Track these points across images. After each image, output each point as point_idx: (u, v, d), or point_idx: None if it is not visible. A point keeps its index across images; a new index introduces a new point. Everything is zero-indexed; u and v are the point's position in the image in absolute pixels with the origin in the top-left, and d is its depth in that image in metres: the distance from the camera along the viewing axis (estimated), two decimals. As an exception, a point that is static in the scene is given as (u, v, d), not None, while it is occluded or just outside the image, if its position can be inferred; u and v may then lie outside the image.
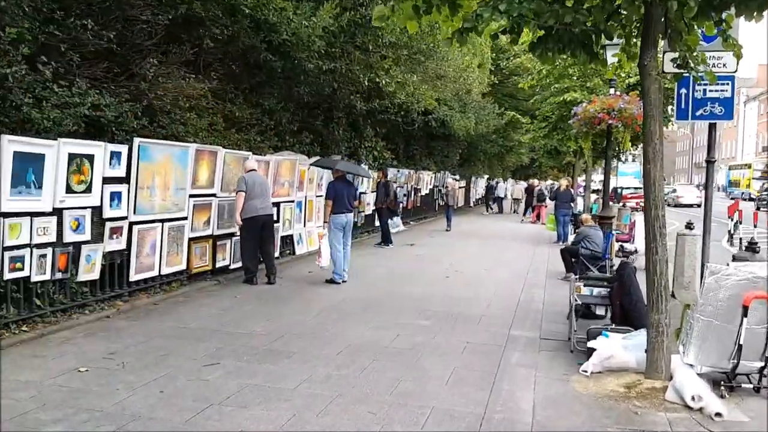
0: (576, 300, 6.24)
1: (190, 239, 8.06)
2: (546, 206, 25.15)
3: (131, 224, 6.94)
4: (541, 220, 23.68)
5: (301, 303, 7.57)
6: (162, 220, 7.46)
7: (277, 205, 10.48)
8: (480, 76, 19.08)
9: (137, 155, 6.87)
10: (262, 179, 8.63)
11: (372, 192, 15.11)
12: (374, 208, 14.37)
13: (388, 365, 5.24)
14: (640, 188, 35.36)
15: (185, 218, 7.91)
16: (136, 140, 6.86)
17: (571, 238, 15.76)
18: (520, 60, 25.61)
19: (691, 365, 4.96)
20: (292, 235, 11.23)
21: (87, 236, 6.33)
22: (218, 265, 8.74)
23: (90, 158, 6.30)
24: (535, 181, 26.90)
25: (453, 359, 5.48)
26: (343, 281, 9.09)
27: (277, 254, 10.42)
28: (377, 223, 14.42)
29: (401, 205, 19.18)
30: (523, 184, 33.09)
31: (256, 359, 5.27)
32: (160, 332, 5.99)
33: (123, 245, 6.84)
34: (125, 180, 6.82)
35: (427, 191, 22.62)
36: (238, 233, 8.77)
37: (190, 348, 5.50)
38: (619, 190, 28.90)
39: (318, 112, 12.57)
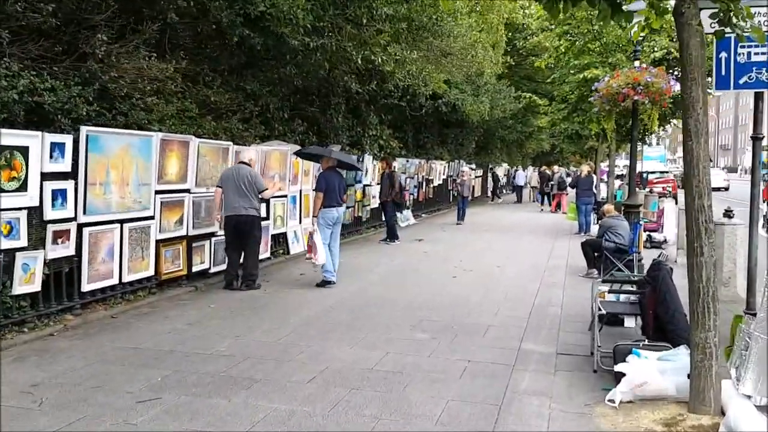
0: (599, 309, 5.18)
1: (159, 241, 7.14)
2: (566, 194, 23.92)
3: (81, 226, 6.03)
4: (561, 209, 22.49)
5: (281, 313, 6.62)
6: (121, 221, 6.55)
7: (267, 201, 9.55)
8: (494, 56, 17.88)
9: (85, 146, 5.95)
10: (239, 173, 7.67)
11: (377, 184, 14.11)
12: (380, 201, 13.37)
13: (368, 397, 4.25)
14: (666, 172, 33.93)
15: (151, 217, 6.99)
16: (83, 129, 5.93)
17: (594, 228, 14.61)
18: (537, 39, 24.26)
19: (748, 396, 3.90)
20: (285, 234, 10.28)
21: (23, 242, 5.44)
22: (195, 269, 7.82)
23: (23, 151, 5.39)
24: (555, 167, 25.58)
25: (448, 387, 4.47)
26: (333, 282, 8.14)
27: (267, 255, 9.52)
28: (384, 218, 13.42)
29: (411, 197, 18.16)
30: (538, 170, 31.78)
31: (207, 391, 4.32)
32: (103, 355, 5.07)
33: (71, 251, 5.93)
34: (71, 175, 5.91)
35: (440, 182, 21.55)
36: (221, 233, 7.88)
37: (132, 376, 4.57)
38: (645, 175, 27.44)
39: (313, 98, 11.57)
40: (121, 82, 6.49)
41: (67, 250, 5.88)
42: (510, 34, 25.07)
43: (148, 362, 4.90)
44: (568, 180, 23.54)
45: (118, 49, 6.53)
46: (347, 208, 13.04)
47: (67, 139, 5.80)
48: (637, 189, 15.70)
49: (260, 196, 7.61)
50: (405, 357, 5.16)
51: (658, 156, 38.63)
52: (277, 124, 10.02)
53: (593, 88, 10.55)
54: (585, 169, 15.40)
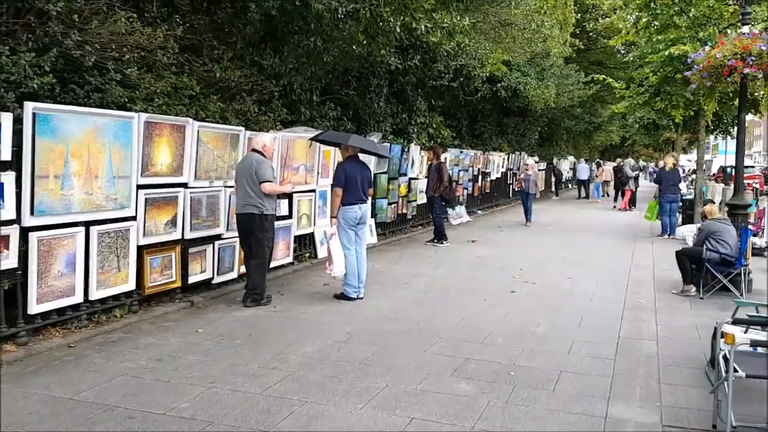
0: (736, 369, 3.39)
1: (143, 247, 5.80)
2: (633, 190, 21.51)
3: (25, 231, 4.72)
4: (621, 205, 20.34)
5: (282, 344, 5.12)
6: (87, 223, 5.22)
7: (288, 196, 8.11)
8: (561, 35, 15.91)
9: (32, 129, 4.63)
10: (244, 163, 6.27)
11: (424, 177, 12.47)
12: (426, 197, 11.73)
13: None
14: (752, 167, 30.65)
15: (132, 218, 5.64)
16: (28, 106, 4.60)
17: (682, 231, 12.51)
18: (609, 20, 21.94)
19: None
20: (312, 235, 8.82)
21: (-63, 252, 4.16)
22: (193, 279, 6.44)
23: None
24: (620, 160, 23.11)
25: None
26: (358, 297, 6.61)
27: (289, 259, 8.10)
28: (431, 216, 11.78)
29: (465, 192, 16.42)
30: (611, 165, 29.17)
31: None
32: (20, 410, 3.71)
33: (12, 262, 4.63)
34: (11, 166, 4.60)
35: (499, 175, 19.67)
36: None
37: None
38: (728, 170, 24.61)
39: (349, 79, 10.05)
40: (87, 48, 5.14)
41: (6, 261, 4.57)
42: (579, 15, 22.87)
43: (74, 426, 3.50)
44: (634, 174, 21.21)
45: (85, 5, 5.17)
46: (389, 204, 11.54)
47: (5, 119, 4.48)
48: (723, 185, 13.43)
49: (262, 190, 6.13)
50: (439, 427, 3.56)
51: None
52: (304, 108, 8.56)
53: (689, 59, 8.56)
54: (670, 161, 13.24)
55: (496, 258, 9.95)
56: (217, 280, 6.82)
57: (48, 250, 4.86)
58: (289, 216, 8.14)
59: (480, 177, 17.76)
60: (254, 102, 7.49)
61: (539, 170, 26.38)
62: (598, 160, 29.84)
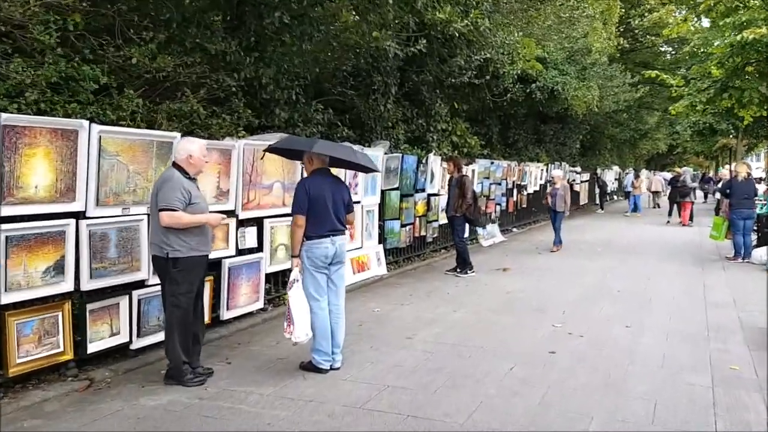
0: None
1: (4, 308, 4.02)
2: (693, 203, 18.99)
3: None
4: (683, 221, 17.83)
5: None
6: None
7: (258, 222, 6.30)
8: (606, 28, 13.79)
9: None
10: (154, 185, 4.46)
11: (447, 193, 10.50)
12: (447, 216, 9.76)
13: None
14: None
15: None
16: None
17: (760, 254, 10.20)
18: (657, 14, 19.68)
19: None
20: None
21: None
22: (96, 347, 4.63)
23: None
24: (682, 169, 20.52)
25: None
26: (332, 368, 4.70)
27: (259, 305, 6.27)
28: (454, 240, 9.78)
29: (498, 207, 14.36)
30: (663, 175, 26.54)
31: None
32: None
33: None
34: None
35: (537, 188, 17.53)
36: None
37: None
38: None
39: (345, 75, 8.21)
40: None
41: None
42: (623, 10, 20.64)
43: None
44: (695, 185, 18.67)
45: None
46: (403, 226, 9.61)
47: None
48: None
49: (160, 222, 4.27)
50: None
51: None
52: (279, 110, 6.72)
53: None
54: (743, 170, 10.94)
55: (531, 293, 7.89)
56: (139, 344, 4.99)
57: None
58: (259, 248, 6.31)
59: (515, 191, 15.69)
60: (202, 100, 5.69)
61: (582, 182, 24.09)
62: (633, 168, 27.03)
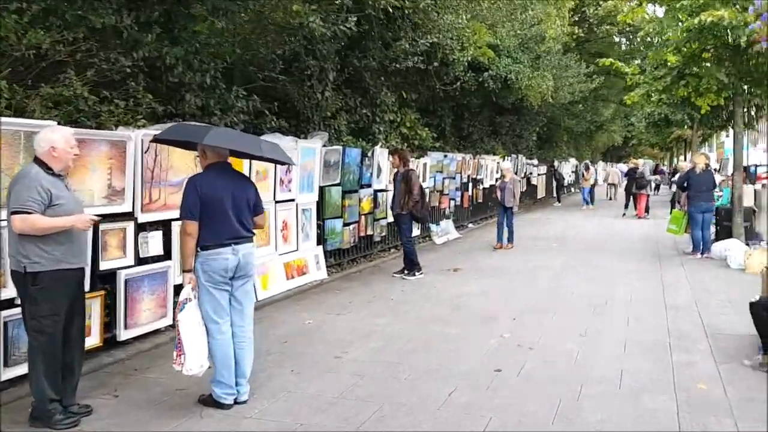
0: None
1: None
2: (649, 195, 18.86)
3: None
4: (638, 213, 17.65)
5: None
6: None
7: (165, 225, 5.47)
8: (559, 14, 13.27)
9: None
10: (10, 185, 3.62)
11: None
12: (393, 214, 9.06)
13: None
14: (775, 164, 27.98)
15: None
16: None
17: (720, 248, 9.82)
18: (612, 2, 19.36)
19: None
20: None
21: None
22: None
23: None
24: (639, 161, 20.23)
25: None
26: (237, 402, 3.93)
27: (167, 322, 5.44)
28: (401, 240, 9.06)
29: (453, 203, 13.75)
30: (620, 167, 26.47)
31: None
32: None
33: None
34: None
35: (493, 182, 16.98)
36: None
37: None
38: (753, 169, 21.86)
39: (274, 57, 7.39)
40: None
41: None
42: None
43: None
44: (655, 178, 18.46)
45: None
46: (346, 225, 8.86)
47: None
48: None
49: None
50: None
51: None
52: (191, 96, 5.87)
53: (751, 9, 5.91)
54: (701, 161, 10.54)
55: (481, 297, 7.26)
56: (8, 374, 4.14)
57: None
58: (166, 256, 5.48)
59: (470, 185, 15.12)
60: (89, 83, 4.82)
61: (539, 175, 23.76)
62: (587, 161, 26.87)
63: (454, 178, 13.70)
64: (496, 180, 17.77)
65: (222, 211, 3.78)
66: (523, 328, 5.91)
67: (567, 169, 29.94)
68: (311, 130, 8.19)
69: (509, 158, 17.01)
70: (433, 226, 12.49)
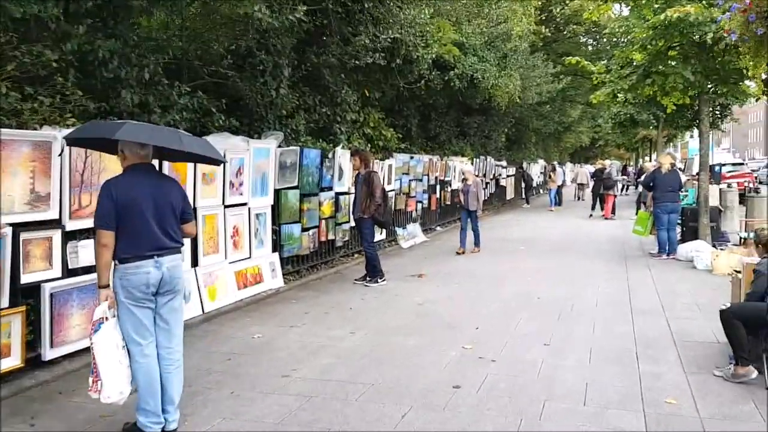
0: None
1: None
2: (616, 196, 18.91)
3: None
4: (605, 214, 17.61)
5: None
6: None
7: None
8: (525, 11, 13.08)
9: None
10: None
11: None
12: (354, 218, 8.69)
13: None
14: (741, 164, 28.47)
15: None
16: None
17: (686, 250, 9.70)
18: (578, 2, 19.33)
19: None
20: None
21: None
22: None
23: None
24: (606, 161, 20.21)
25: None
26: (165, 431, 3.53)
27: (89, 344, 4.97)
28: (362, 245, 8.67)
29: (420, 205, 13.45)
30: (588, 168, 26.54)
31: None
32: None
33: None
34: None
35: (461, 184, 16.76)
36: None
37: None
38: (717, 168, 22.08)
39: (222, 51, 6.98)
40: None
41: None
42: (544, -1, 20.23)
43: None
44: (622, 179, 18.43)
45: None
46: (305, 230, 8.48)
47: None
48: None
49: None
50: None
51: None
52: (127, 92, 5.41)
53: (720, 2, 5.71)
54: (666, 161, 10.43)
55: (445, 305, 6.94)
56: None
57: None
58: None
59: (438, 187, 14.85)
60: (8, 79, 4.35)
61: (508, 176, 23.65)
62: (554, 163, 26.91)
63: (421, 180, 13.41)
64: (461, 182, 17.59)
65: (141, 219, 3.38)
66: (486, 337, 5.61)
67: (536, 170, 29.96)
68: (265, 130, 7.79)
69: (472, 160, 16.84)
70: (399, 230, 12.18)
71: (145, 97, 5.61)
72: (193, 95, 6.11)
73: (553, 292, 7.56)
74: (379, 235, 10.43)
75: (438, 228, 14.80)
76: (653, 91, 10.78)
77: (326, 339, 5.61)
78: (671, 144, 37.64)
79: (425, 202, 13.87)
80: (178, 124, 5.98)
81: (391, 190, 11.61)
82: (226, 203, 6.83)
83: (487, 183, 19.89)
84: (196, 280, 6.28)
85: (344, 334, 5.77)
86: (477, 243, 11.10)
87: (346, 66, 8.72)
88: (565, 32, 23.32)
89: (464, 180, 11.41)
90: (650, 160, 27.23)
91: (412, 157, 12.80)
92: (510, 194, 24.30)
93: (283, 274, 8.05)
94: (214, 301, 6.48)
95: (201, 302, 6.29)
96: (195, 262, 6.33)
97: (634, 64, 11.11)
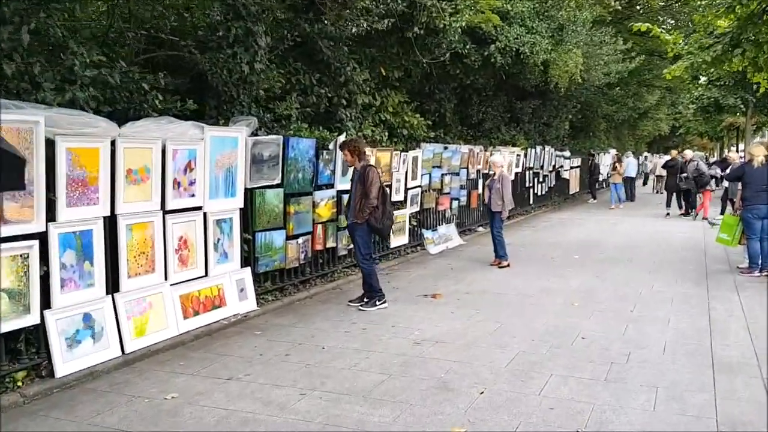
0: None
1: None
2: (713, 191, 16.09)
3: None
4: (704, 214, 14.92)
5: None
6: None
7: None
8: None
9: None
10: None
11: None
12: (347, 223, 6.97)
13: None
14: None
15: None
16: None
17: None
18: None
19: None
20: (41, 328, 4.26)
21: None
22: None
23: None
24: (688, 152, 17.37)
25: None
26: None
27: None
28: (357, 255, 6.92)
29: (457, 203, 11.62)
30: (665, 158, 23.37)
31: None
32: None
33: None
34: None
35: (512, 177, 14.69)
36: None
37: None
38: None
39: (185, 23, 5.45)
40: None
41: None
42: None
43: None
44: (712, 172, 15.65)
45: None
46: (292, 238, 6.91)
47: None
48: None
49: None
50: None
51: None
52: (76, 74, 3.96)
53: None
54: (760, 153, 8.14)
55: (448, 347, 5.16)
56: None
57: None
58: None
59: (481, 182, 12.92)
60: None
61: (572, 167, 21.25)
62: (617, 153, 23.46)
63: (458, 174, 11.56)
64: (526, 174, 15.61)
65: None
66: (491, 411, 3.83)
67: (606, 160, 27.04)
68: (234, 112, 6.22)
69: (525, 151, 14.77)
70: (427, 233, 10.41)
71: (28, 68, 4.14)
72: (146, 73, 4.59)
73: (603, 329, 5.64)
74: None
75: (480, 229, 12.87)
76: (743, 66, 8.52)
77: (261, 405, 3.98)
78: (760, 133, 33.62)
79: (463, 199, 12.00)
80: (86, 106, 4.47)
81: (416, 187, 9.86)
82: (168, 208, 5.31)
83: (545, 176, 17.73)
84: (114, 311, 4.79)
85: (290, 397, 4.12)
86: (499, 254, 8.89)
87: (346, 37, 7.02)
88: (638, 7, 20.60)
89: (491, 174, 9.30)
90: (737, 151, 23.97)
91: (446, 148, 10.97)
92: (574, 188, 21.92)
93: (260, 294, 6.50)
94: (142, 338, 4.98)
95: (120, 340, 4.80)
96: (115, 287, 4.85)
97: (717, 32, 8.86)
